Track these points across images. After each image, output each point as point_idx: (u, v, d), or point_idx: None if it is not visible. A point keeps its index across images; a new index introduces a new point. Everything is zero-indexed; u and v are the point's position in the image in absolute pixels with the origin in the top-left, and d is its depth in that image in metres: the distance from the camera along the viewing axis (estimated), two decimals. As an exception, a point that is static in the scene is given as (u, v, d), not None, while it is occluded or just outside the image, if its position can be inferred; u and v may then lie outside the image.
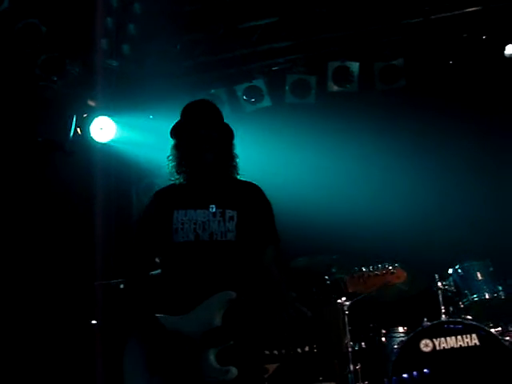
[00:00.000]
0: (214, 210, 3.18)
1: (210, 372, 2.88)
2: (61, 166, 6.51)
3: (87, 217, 6.43)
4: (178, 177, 3.28)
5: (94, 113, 6.85)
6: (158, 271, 3.30)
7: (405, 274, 3.01)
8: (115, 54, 6.46)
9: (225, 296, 3.00)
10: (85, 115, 6.82)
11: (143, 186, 7.26)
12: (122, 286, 5.57)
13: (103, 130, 6.83)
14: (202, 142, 3.18)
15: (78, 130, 6.82)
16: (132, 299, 3.25)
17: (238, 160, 3.32)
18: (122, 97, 6.95)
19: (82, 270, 6.26)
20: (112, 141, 6.92)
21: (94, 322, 5.67)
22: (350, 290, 3.00)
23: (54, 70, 6.24)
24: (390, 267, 3.00)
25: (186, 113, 3.33)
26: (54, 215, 6.50)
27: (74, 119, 6.45)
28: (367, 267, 3.00)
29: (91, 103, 6.83)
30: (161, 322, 3.02)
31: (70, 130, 6.35)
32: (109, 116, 6.85)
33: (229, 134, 3.33)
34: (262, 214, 3.30)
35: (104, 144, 6.91)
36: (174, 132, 3.34)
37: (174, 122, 3.39)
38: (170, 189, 3.33)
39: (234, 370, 2.88)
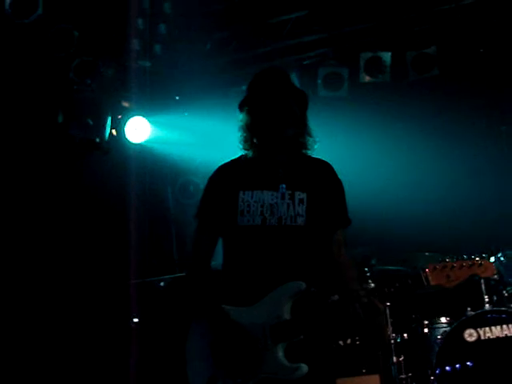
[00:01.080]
0: (283, 190, 2.92)
1: (279, 369, 2.71)
2: (97, 167, 6.61)
3: (123, 216, 6.47)
4: (247, 150, 3.00)
5: (128, 114, 6.91)
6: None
7: (493, 267, 2.73)
8: (147, 54, 6.49)
9: (294, 287, 2.79)
10: (119, 116, 6.89)
11: (179, 185, 7.30)
12: (161, 284, 5.60)
13: (138, 130, 6.88)
14: (285, 115, 2.90)
15: (114, 131, 6.89)
16: (195, 286, 3.03)
17: (314, 135, 3.02)
18: (156, 97, 6.98)
19: (118, 269, 6.30)
20: (147, 141, 6.97)
21: (135, 320, 5.70)
22: (433, 283, 2.70)
23: (87, 74, 6.31)
24: (478, 258, 2.70)
25: (262, 82, 3.00)
26: (90, 215, 6.56)
27: (109, 119, 6.50)
28: (451, 258, 2.70)
29: (125, 104, 6.90)
30: (226, 312, 2.83)
31: (105, 131, 6.41)
32: (143, 116, 6.91)
33: (306, 105, 3.02)
34: (333, 195, 3.04)
35: (139, 144, 6.97)
36: (250, 101, 2.99)
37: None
38: (236, 165, 3.07)
39: (304, 367, 2.70)
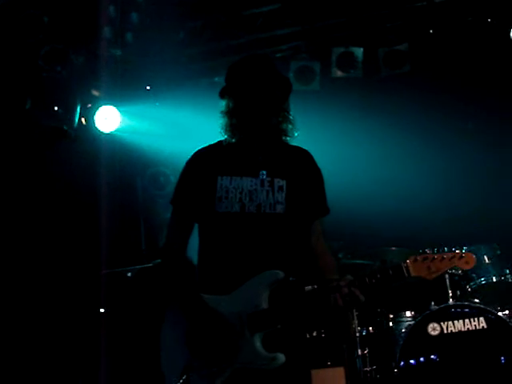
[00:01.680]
0: (263, 177, 2.88)
1: (256, 358, 2.68)
2: (66, 155, 6.52)
3: (92, 206, 6.41)
4: (228, 136, 2.94)
5: (98, 102, 6.82)
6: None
7: (474, 259, 2.69)
8: (119, 42, 6.41)
9: (272, 275, 2.75)
10: (89, 105, 6.81)
11: (148, 175, 7.25)
12: (129, 274, 5.58)
13: (108, 119, 6.80)
14: (269, 103, 2.84)
15: (83, 120, 6.82)
16: (171, 274, 2.97)
17: (293, 121, 2.95)
18: (127, 86, 6.91)
19: (86, 259, 6.25)
20: (117, 130, 6.90)
21: (101, 310, 5.67)
22: (413, 274, 2.66)
23: (57, 61, 6.19)
24: (458, 251, 2.68)
25: (247, 67, 2.94)
26: (58, 204, 6.48)
27: (79, 108, 6.42)
28: (431, 250, 2.69)
29: (95, 93, 6.81)
30: (204, 300, 2.79)
31: (74, 119, 6.32)
32: (113, 105, 6.83)
33: (289, 92, 2.97)
34: (313, 183, 3.00)
35: (109, 134, 6.90)
36: (234, 86, 2.94)
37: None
38: (214, 149, 3.00)
39: (281, 357, 2.67)
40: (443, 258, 2.66)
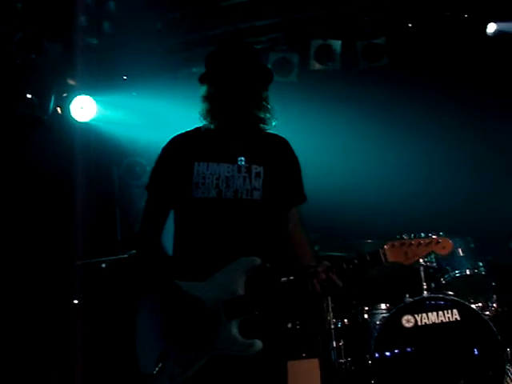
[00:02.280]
0: (241, 163, 2.87)
1: (233, 345, 2.67)
2: (42, 145, 6.44)
3: (68, 196, 6.34)
4: (206, 121, 2.92)
5: (74, 92, 6.74)
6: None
7: (451, 244, 2.67)
8: (95, 31, 6.33)
9: (248, 262, 2.73)
10: (65, 94, 6.72)
11: (124, 165, 7.20)
12: (103, 265, 5.53)
13: (84, 109, 6.73)
14: (249, 91, 2.84)
15: (59, 109, 6.73)
16: (146, 261, 2.95)
17: (272, 111, 2.95)
18: (103, 75, 6.83)
19: (62, 250, 6.18)
20: (93, 120, 6.83)
21: (75, 301, 5.62)
22: (391, 260, 2.64)
23: (31, 48, 6.09)
24: (435, 236, 2.66)
25: (229, 54, 2.92)
26: (33, 194, 6.40)
27: (53, 97, 6.33)
28: (409, 235, 2.66)
29: (71, 82, 6.73)
30: (179, 286, 2.76)
31: (48, 107, 6.23)
32: (89, 95, 6.75)
33: (269, 82, 2.97)
34: (290, 170, 3.00)
35: (85, 123, 6.82)
36: (215, 72, 2.91)
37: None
38: (191, 136, 2.99)
39: (258, 343, 2.66)
40: (420, 244, 2.65)
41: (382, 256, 2.67)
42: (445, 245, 2.69)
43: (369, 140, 6.74)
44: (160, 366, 2.72)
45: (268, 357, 2.75)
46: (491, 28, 6.59)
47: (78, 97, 6.73)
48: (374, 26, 6.78)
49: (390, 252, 2.66)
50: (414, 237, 2.68)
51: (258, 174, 2.88)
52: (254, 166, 2.90)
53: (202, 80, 2.98)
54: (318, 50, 6.78)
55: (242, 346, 2.67)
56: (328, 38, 6.77)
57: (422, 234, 2.67)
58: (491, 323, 4.93)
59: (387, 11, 6.73)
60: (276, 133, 3.07)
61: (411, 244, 2.66)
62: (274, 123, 2.96)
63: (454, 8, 6.66)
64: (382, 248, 2.67)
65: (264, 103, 2.92)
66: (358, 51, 6.81)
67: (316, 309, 5.50)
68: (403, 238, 2.67)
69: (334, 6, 6.66)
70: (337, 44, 6.77)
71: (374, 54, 6.76)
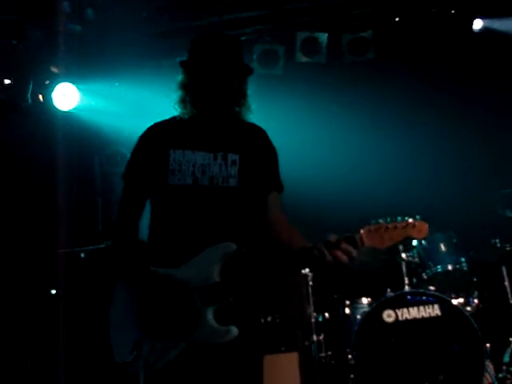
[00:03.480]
0: (217, 151, 2.88)
1: (209, 331, 2.65)
2: (23, 132, 6.36)
3: (49, 184, 6.26)
4: (182, 110, 2.92)
5: (56, 79, 6.64)
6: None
7: (426, 227, 2.63)
8: (79, 18, 6.25)
9: (224, 248, 2.73)
10: (47, 82, 6.62)
11: (106, 154, 7.13)
12: (82, 255, 5.47)
13: (66, 97, 6.63)
14: (226, 90, 2.84)
15: (40, 97, 6.63)
16: (122, 249, 2.94)
17: (249, 105, 2.95)
18: (86, 63, 6.72)
19: (42, 239, 6.11)
20: (75, 108, 6.73)
21: (53, 291, 5.56)
22: (367, 244, 2.61)
23: (12, 34, 6.01)
24: (411, 220, 2.62)
25: (211, 46, 2.89)
26: (14, 182, 6.31)
27: (32, 83, 6.24)
28: (384, 219, 2.63)
29: (54, 69, 6.63)
30: (155, 272, 2.74)
31: (27, 94, 6.14)
32: (72, 83, 6.65)
33: (248, 75, 2.96)
34: (266, 159, 3.01)
35: (67, 111, 6.73)
36: (194, 62, 2.91)
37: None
38: (168, 124, 2.99)
39: (234, 330, 2.66)
40: (396, 227, 2.61)
41: (358, 240, 2.63)
42: (421, 228, 2.64)
43: (353, 133, 6.72)
44: (135, 353, 2.69)
45: (244, 344, 2.74)
46: (477, 24, 6.61)
47: (61, 84, 6.64)
48: (361, 19, 6.75)
49: (366, 236, 2.63)
50: (391, 220, 2.64)
51: (234, 162, 2.90)
52: (230, 154, 2.91)
53: (182, 67, 2.98)
54: (303, 43, 6.74)
55: (217, 332, 2.66)
56: (314, 30, 6.73)
57: (399, 218, 2.64)
58: (472, 319, 4.94)
59: (374, 5, 6.71)
60: (260, 124, 3.07)
61: (387, 228, 2.63)
62: (250, 114, 2.96)
63: (441, 4, 6.66)
64: (358, 232, 2.63)
65: (240, 95, 2.92)
66: (344, 44, 6.78)
67: (296, 303, 5.49)
68: (379, 222, 2.64)
69: (320, -2, 6.63)
70: (323, 37, 6.73)
71: (360, 47, 6.73)
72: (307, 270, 5.33)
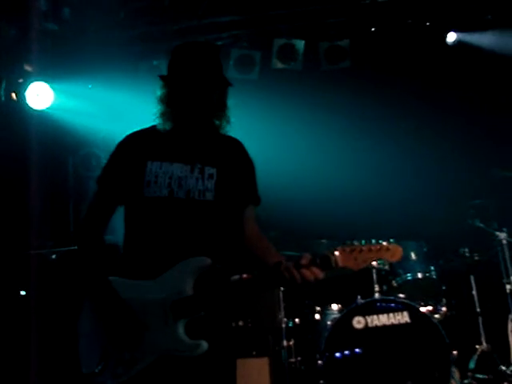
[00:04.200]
0: (194, 164, 2.85)
1: (179, 345, 2.64)
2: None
3: (21, 184, 6.18)
4: (161, 122, 2.89)
5: (30, 78, 6.58)
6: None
7: (401, 251, 2.69)
8: (55, 17, 6.19)
9: (198, 262, 2.71)
10: (20, 80, 6.55)
11: (80, 156, 7.07)
12: (53, 257, 5.42)
13: (40, 96, 6.58)
14: (206, 100, 2.81)
15: (14, 95, 6.56)
16: (85, 256, 2.89)
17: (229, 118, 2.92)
18: (61, 63, 6.66)
19: (12, 239, 6.02)
20: (49, 108, 6.68)
21: (22, 292, 5.49)
22: (341, 265, 2.66)
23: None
24: (385, 243, 2.67)
25: (191, 58, 2.86)
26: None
27: (4, 81, 6.16)
28: (359, 241, 2.68)
29: (28, 68, 6.56)
30: (114, 288, 2.72)
31: (1, 91, 6.07)
32: (46, 82, 6.60)
33: (227, 87, 2.95)
34: (244, 172, 2.99)
35: (41, 111, 6.67)
36: (174, 75, 2.89)
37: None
38: (147, 134, 2.95)
39: (204, 344, 2.64)
40: (370, 250, 2.67)
41: (332, 260, 2.67)
42: (394, 252, 2.70)
43: (327, 141, 6.75)
44: (102, 364, 2.68)
45: (215, 357, 2.72)
46: (451, 37, 6.73)
47: (35, 83, 6.57)
48: (338, 28, 6.81)
49: (340, 257, 2.67)
50: (365, 243, 2.70)
51: (211, 176, 2.87)
52: (207, 168, 2.88)
53: (162, 81, 2.95)
54: (280, 49, 6.77)
55: (187, 346, 2.65)
56: (291, 37, 6.77)
57: (373, 241, 2.70)
58: (440, 326, 5.01)
59: (351, 14, 6.77)
60: (234, 130, 3.05)
61: (362, 250, 2.68)
62: (228, 128, 2.94)
63: (417, 16, 6.76)
64: (333, 254, 2.67)
65: (220, 108, 2.90)
66: (321, 52, 6.83)
67: (267, 308, 5.51)
68: (354, 244, 2.69)
69: (298, 5, 6.66)
70: (300, 44, 6.78)
71: (336, 55, 6.78)
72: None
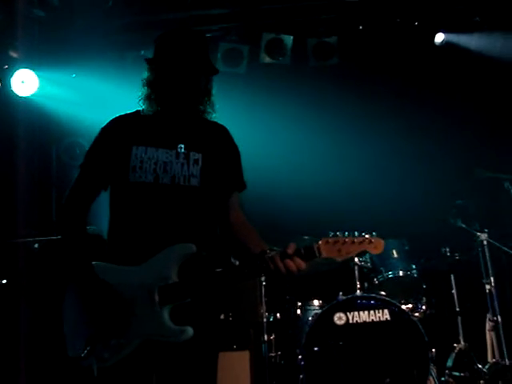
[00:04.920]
0: (180, 149, 2.85)
1: (164, 331, 2.66)
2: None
3: (4, 171, 6.12)
4: (146, 107, 2.89)
5: (15, 65, 6.50)
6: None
7: (382, 244, 2.75)
8: (42, 3, 6.12)
9: (183, 248, 2.72)
10: (6, 66, 6.48)
11: (64, 145, 7.00)
12: (36, 246, 5.37)
13: (25, 83, 6.51)
14: (191, 90, 2.83)
15: (-2, 81, 6.49)
16: (67, 241, 2.85)
17: (213, 104, 2.94)
18: (47, 50, 6.60)
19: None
20: (34, 95, 6.61)
21: (4, 281, 5.44)
22: (324, 256, 2.71)
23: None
24: (368, 236, 2.74)
25: (176, 42, 2.86)
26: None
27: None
28: (342, 233, 2.73)
29: (13, 54, 6.48)
30: (96, 273, 2.71)
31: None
32: (32, 69, 6.53)
33: (213, 74, 2.96)
34: (229, 158, 3.00)
35: (25, 98, 6.60)
36: (160, 59, 2.88)
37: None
38: (132, 118, 2.94)
39: (189, 330, 2.65)
40: (353, 242, 2.72)
41: (316, 251, 2.70)
42: (377, 245, 2.75)
43: (313, 136, 6.76)
44: (88, 348, 2.67)
45: (199, 344, 2.74)
46: (439, 38, 6.77)
47: (20, 70, 6.50)
48: (327, 24, 6.83)
49: (324, 248, 2.70)
50: (349, 235, 2.74)
51: (196, 161, 2.87)
52: (192, 153, 2.88)
53: (148, 64, 2.95)
54: (269, 44, 6.78)
55: (172, 332, 2.66)
56: (280, 32, 6.77)
57: (356, 233, 2.75)
58: (419, 324, 5.05)
59: (341, 12, 6.78)
60: (220, 122, 3.06)
61: (345, 242, 2.72)
62: (214, 114, 2.96)
63: (405, 15, 6.79)
64: (317, 243, 2.70)
65: (205, 94, 2.91)
66: (309, 48, 6.84)
67: (249, 302, 5.51)
68: (337, 236, 2.72)
69: (288, 1, 6.67)
70: (288, 39, 6.79)
71: (324, 52, 6.80)
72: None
